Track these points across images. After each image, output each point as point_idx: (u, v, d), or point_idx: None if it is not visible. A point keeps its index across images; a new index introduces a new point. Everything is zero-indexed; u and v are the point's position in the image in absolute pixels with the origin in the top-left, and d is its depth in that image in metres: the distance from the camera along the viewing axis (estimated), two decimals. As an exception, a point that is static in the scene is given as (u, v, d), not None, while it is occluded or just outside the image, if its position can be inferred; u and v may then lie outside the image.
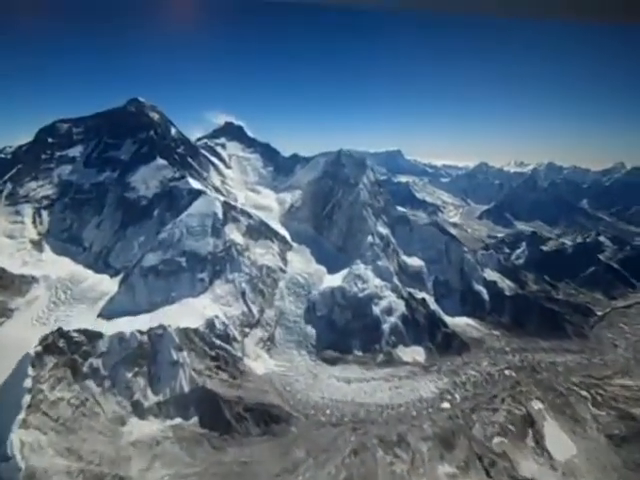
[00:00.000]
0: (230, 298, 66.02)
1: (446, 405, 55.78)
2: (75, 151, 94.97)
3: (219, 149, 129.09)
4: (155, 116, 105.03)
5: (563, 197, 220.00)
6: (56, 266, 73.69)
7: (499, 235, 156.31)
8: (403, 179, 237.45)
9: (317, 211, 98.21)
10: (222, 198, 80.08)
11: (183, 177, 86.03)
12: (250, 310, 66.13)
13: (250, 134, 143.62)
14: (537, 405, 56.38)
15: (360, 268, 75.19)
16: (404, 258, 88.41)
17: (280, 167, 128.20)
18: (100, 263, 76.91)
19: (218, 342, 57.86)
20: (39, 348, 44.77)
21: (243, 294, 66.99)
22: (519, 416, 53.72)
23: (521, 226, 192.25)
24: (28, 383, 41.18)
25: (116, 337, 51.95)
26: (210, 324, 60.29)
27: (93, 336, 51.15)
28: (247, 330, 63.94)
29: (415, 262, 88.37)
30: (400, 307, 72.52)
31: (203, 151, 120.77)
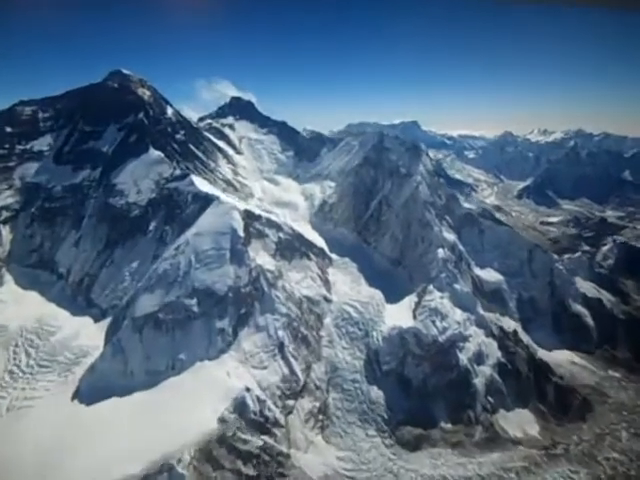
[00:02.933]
0: (264, 355, 46.17)
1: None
2: (42, 143, 73.12)
3: (227, 131, 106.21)
4: (145, 93, 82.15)
5: (608, 170, 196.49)
6: (20, 307, 54.01)
7: (551, 219, 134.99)
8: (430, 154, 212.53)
9: (359, 210, 76.95)
10: (242, 205, 58.47)
11: (186, 175, 64.47)
12: (293, 370, 46.43)
13: (262, 111, 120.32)
14: None
15: (434, 297, 54.68)
16: (477, 272, 67.79)
17: (301, 151, 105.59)
18: (80, 299, 57.08)
19: (253, 439, 38.50)
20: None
21: (281, 347, 47.08)
22: None
23: (567, 205, 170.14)
24: None
25: None
26: (239, 405, 40.69)
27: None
28: (291, 403, 44.51)
29: (491, 276, 67.77)
30: (492, 350, 52.68)
31: (208, 134, 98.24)
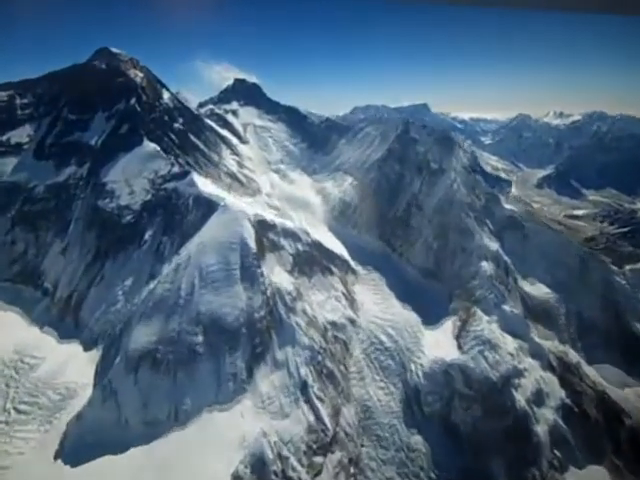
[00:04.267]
0: (284, 400, 38.06)
1: None
2: (21, 134, 63.68)
3: (230, 117, 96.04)
4: (137, 74, 71.92)
5: (636, 155, 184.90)
6: (-5, 334, 45.92)
7: (577, 212, 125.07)
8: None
9: (383, 212, 67.84)
10: (252, 209, 49.22)
11: (186, 173, 55.30)
12: (319, 418, 38.39)
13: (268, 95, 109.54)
14: None
15: (482, 322, 46.15)
16: (522, 285, 59.07)
17: (314, 140, 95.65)
18: (68, 321, 48.90)
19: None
20: None
21: (304, 387, 38.94)
22: None
23: (592, 196, 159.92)
24: None
25: None
26: (257, 463, 33.02)
27: None
28: (319, 460, 36.68)
29: (539, 291, 58.99)
30: (554, 388, 44.49)
31: (209, 122, 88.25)
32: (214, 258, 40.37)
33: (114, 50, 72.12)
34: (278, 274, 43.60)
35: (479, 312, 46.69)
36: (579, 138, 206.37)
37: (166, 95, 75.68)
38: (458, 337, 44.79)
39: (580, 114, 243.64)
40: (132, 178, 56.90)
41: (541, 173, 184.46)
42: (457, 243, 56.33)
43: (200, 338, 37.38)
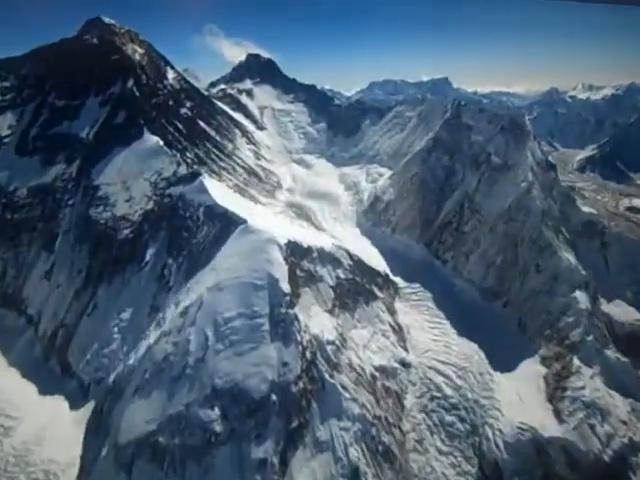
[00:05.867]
0: (328, 493, 28.54)
1: None
2: (1, 124, 53.59)
3: (244, 99, 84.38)
4: (136, 50, 60.39)
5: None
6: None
7: (638, 203, 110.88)
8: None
9: (426, 212, 56.53)
10: (282, 229, 38.31)
11: (195, 176, 44.71)
12: (374, 515, 28.89)
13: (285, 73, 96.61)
14: None
15: (583, 377, 35.26)
16: (604, 307, 47.78)
17: (336, 122, 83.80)
18: (53, 363, 40.09)
19: None
20: None
21: (355, 476, 29.27)
22: None
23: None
24: None
25: None
26: None
27: None
28: None
29: (625, 313, 47.77)
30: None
31: (221, 104, 76.78)
32: (234, 303, 30.14)
33: (107, 20, 60.41)
34: (317, 317, 33.33)
35: (576, 361, 35.97)
36: (621, 114, 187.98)
37: (171, 75, 64.38)
38: (553, 398, 34.29)
39: (613, 87, 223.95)
40: (130, 180, 46.66)
41: (581, 154, 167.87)
42: (530, 259, 44.98)
43: (216, 415, 27.66)
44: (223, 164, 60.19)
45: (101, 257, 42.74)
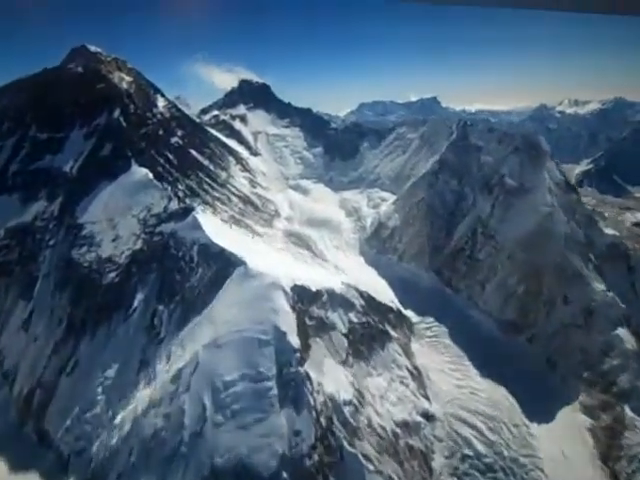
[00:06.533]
0: None
1: None
2: (-24, 161, 49.93)
3: (237, 124, 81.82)
4: (123, 79, 57.67)
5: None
6: None
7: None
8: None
9: (435, 239, 53.10)
10: (287, 269, 34.34)
11: (187, 211, 40.95)
12: None
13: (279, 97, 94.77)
14: None
15: (639, 430, 31.05)
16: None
17: (334, 146, 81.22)
18: (28, 429, 35.12)
19: None
20: None
21: None
22: None
23: (639, 193, 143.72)
24: None
25: None
26: None
27: None
28: None
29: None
30: None
31: (213, 131, 74.04)
32: (235, 363, 25.87)
33: (93, 49, 57.87)
34: (330, 372, 29.10)
35: (629, 412, 31.74)
36: (611, 128, 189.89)
37: (161, 103, 61.54)
38: (608, 458, 29.81)
39: (599, 101, 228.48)
40: (117, 217, 42.79)
41: (577, 169, 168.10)
42: (556, 290, 41.36)
43: (217, 501, 23.04)
44: (217, 194, 56.73)
45: (84, 304, 38.37)
